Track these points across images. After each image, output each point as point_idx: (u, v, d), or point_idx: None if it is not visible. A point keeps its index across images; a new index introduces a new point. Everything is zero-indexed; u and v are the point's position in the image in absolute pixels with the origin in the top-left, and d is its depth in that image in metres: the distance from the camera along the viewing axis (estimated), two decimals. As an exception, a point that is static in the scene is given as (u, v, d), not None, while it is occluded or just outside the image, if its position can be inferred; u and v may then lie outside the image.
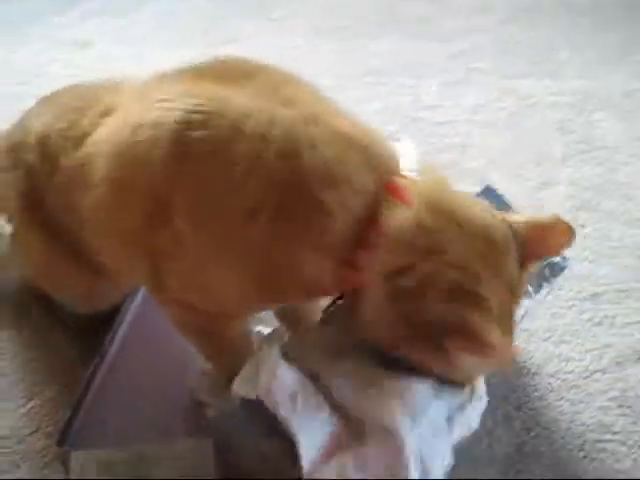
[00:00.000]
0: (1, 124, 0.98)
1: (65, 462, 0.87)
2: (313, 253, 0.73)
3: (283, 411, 0.76)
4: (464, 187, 0.96)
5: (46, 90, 0.96)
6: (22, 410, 0.96)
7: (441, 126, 1.44)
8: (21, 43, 1.77)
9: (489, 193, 1.01)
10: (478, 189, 1.08)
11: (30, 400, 0.97)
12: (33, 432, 0.94)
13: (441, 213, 0.73)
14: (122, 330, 0.98)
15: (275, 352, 0.81)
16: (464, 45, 1.67)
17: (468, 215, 0.74)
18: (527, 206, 0.97)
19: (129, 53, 1.72)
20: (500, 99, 1.54)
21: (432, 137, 1.41)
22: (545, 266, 0.97)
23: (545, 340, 1.08)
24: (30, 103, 0.96)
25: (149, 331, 0.98)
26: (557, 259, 0.98)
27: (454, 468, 0.83)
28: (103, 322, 0.99)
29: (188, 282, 0.78)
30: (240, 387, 0.78)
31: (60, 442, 0.89)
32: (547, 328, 1.10)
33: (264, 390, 0.76)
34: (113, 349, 0.96)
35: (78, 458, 0.84)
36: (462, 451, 0.93)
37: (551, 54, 1.68)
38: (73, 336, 1.03)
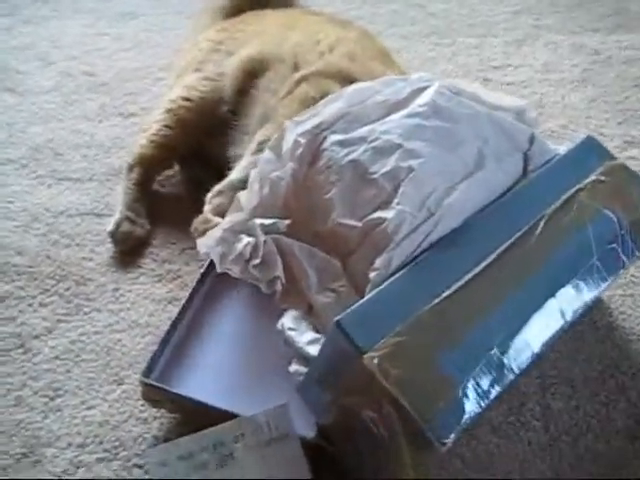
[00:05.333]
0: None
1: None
2: None
3: None
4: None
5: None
6: (112, 396, 0.92)
7: (514, 86, 1.38)
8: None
9: (591, 143, 0.94)
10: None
11: (120, 385, 0.93)
12: (128, 418, 0.90)
13: None
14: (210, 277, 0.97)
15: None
16: (528, 1, 1.60)
17: None
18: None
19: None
20: (570, 56, 1.46)
21: (505, 98, 1.35)
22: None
23: (653, 305, 1.03)
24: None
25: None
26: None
27: (574, 440, 0.77)
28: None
29: None
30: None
31: (146, 373, 0.86)
32: (654, 293, 1.04)
33: None
34: (201, 292, 0.96)
35: (154, 455, 0.80)
36: (580, 420, 0.89)
37: (619, 7, 1.60)
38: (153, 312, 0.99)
